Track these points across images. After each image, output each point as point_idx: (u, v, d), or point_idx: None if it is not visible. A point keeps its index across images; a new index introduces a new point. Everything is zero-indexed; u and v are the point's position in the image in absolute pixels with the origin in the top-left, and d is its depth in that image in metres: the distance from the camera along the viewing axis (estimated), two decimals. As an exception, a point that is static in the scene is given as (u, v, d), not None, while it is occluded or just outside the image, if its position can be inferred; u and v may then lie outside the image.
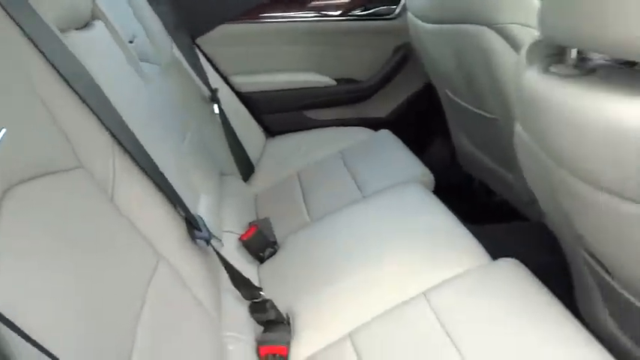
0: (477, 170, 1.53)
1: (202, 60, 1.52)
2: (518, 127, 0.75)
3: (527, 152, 0.74)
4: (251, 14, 1.61)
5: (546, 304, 0.79)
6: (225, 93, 1.55)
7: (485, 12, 1.06)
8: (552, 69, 0.62)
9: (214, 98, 1.42)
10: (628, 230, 0.58)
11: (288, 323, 0.88)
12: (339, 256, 1.01)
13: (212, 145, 1.35)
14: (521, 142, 0.74)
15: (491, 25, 1.05)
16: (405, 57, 1.68)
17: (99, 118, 0.68)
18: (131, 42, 1.11)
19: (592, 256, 0.78)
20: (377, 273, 0.92)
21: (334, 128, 1.64)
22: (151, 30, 1.25)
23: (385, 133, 1.52)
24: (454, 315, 0.80)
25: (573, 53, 0.60)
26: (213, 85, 1.46)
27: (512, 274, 0.85)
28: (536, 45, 0.68)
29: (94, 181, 0.64)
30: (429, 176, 1.28)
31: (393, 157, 1.38)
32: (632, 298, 0.71)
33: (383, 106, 1.74)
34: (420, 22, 1.33)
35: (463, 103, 1.37)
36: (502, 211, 1.46)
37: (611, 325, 0.88)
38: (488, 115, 1.25)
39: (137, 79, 1.00)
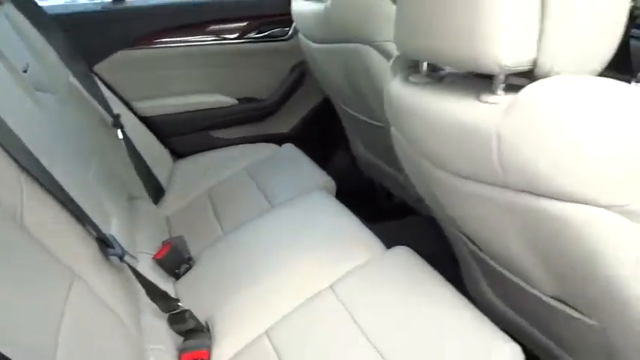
0: (375, 175, 1.67)
1: (102, 87, 1.52)
2: (393, 130, 0.87)
3: (402, 151, 0.86)
4: (148, 40, 1.64)
5: (436, 283, 0.91)
6: (128, 118, 1.56)
7: (366, 32, 1.20)
8: (411, 79, 0.74)
9: (117, 124, 1.43)
10: (484, 209, 0.71)
11: (208, 330, 0.93)
12: (251, 263, 1.07)
13: (119, 170, 1.36)
14: (397, 142, 0.86)
15: (371, 43, 1.19)
16: (301, 74, 1.80)
17: (3, 148, 0.69)
18: (25, 71, 1.10)
19: (466, 236, 0.91)
20: (287, 273, 1.00)
21: (240, 146, 1.70)
22: (45, 59, 1.25)
23: (289, 147, 1.62)
24: (358, 302, 0.90)
25: (424, 65, 0.72)
26: (116, 111, 1.47)
27: (405, 261, 0.97)
28: (398, 59, 0.80)
29: (1, 209, 0.66)
30: (331, 183, 1.38)
31: (298, 169, 1.48)
32: (501, 269, 0.85)
33: (285, 122, 1.85)
34: (310, 42, 1.44)
35: (356, 114, 1.51)
36: (401, 210, 1.62)
37: (491, 295, 1.02)
38: (376, 123, 1.39)
39: (35, 109, 1.00)
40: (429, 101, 0.69)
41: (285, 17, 1.62)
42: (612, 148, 0.49)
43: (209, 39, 1.73)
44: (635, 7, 1.66)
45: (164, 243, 1.19)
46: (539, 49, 0.54)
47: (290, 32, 1.75)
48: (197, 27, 1.71)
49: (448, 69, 0.75)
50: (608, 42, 0.55)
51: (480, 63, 0.56)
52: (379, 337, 0.82)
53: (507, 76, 0.57)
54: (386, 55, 1.16)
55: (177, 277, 1.14)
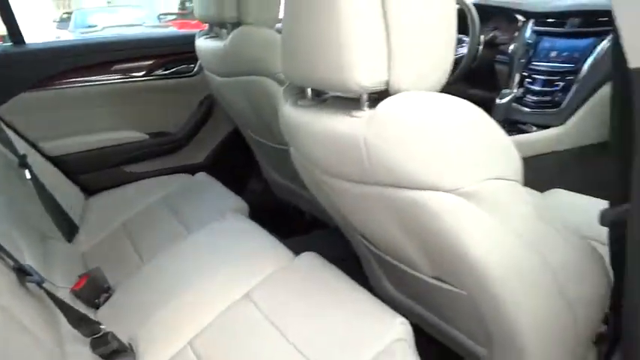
0: (287, 195, 1.78)
1: (6, 129, 1.51)
2: (291, 149, 0.99)
3: (300, 165, 0.98)
4: (51, 82, 1.66)
5: (341, 281, 1.03)
6: (35, 158, 1.56)
7: (264, 66, 1.33)
8: (299, 102, 0.87)
9: (24, 164, 1.43)
10: (367, 206, 0.84)
11: (132, 350, 0.97)
12: (170, 284, 1.13)
13: (30, 210, 1.36)
14: (295, 158, 0.98)
15: (269, 76, 1.32)
16: (209, 107, 1.90)
17: None
18: None
19: (363, 236, 1.04)
20: (205, 288, 1.07)
21: (154, 178, 1.75)
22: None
23: (202, 175, 1.69)
24: (272, 305, 0.99)
25: (309, 91, 0.86)
26: (22, 152, 1.47)
27: (312, 265, 1.08)
28: (288, 87, 0.93)
29: None
30: (244, 205, 1.47)
31: (212, 195, 1.56)
32: (392, 260, 0.99)
33: (197, 153, 1.93)
34: (215, 76, 1.55)
35: (264, 141, 1.63)
36: (313, 226, 1.74)
37: (390, 288, 1.16)
38: (282, 147, 1.51)
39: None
40: (314, 120, 0.82)
41: (190, 54, 1.71)
42: (444, 144, 0.64)
43: (114, 77, 1.78)
44: (494, 37, 1.95)
45: (81, 276, 1.21)
46: (389, 73, 0.68)
47: (195, 69, 1.85)
48: (102, 66, 1.76)
49: (330, 92, 0.89)
50: (442, 64, 0.71)
51: (347, 87, 0.70)
52: (294, 333, 0.92)
53: (369, 94, 0.71)
54: (282, 84, 1.29)
55: (97, 307, 1.16)
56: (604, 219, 0.79)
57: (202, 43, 1.55)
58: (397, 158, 0.66)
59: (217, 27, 1.51)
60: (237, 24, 1.37)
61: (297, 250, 1.18)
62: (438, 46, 0.70)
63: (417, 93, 0.68)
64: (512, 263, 0.74)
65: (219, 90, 1.63)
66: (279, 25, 1.40)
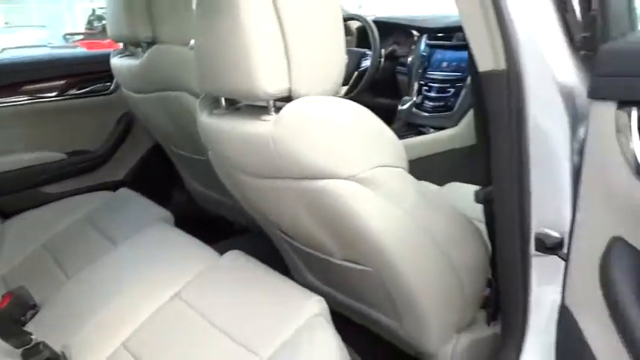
0: (212, 205, 1.84)
1: None
2: (210, 154, 1.08)
3: (220, 168, 1.07)
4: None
5: (264, 272, 1.12)
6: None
7: (181, 81, 1.40)
8: (214, 112, 0.97)
9: None
10: (282, 200, 0.95)
11: (65, 357, 1.00)
12: (99, 293, 1.16)
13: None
14: (215, 163, 1.07)
15: (188, 90, 1.40)
16: (128, 124, 1.92)
17: None
18: None
19: (281, 231, 1.15)
20: (135, 292, 1.11)
21: (74, 197, 1.74)
22: None
23: (124, 191, 1.71)
24: (203, 301, 1.06)
25: (223, 101, 0.95)
26: None
27: (237, 261, 1.16)
28: (204, 98, 1.02)
29: None
30: (168, 215, 1.52)
31: (136, 208, 1.59)
32: (308, 249, 1.10)
33: (118, 170, 1.94)
34: (132, 93, 1.60)
35: (186, 154, 1.69)
36: (238, 233, 1.82)
37: (309, 277, 1.27)
38: (205, 158, 1.58)
39: None
40: (229, 126, 0.92)
41: (105, 73, 1.74)
42: (340, 138, 0.76)
43: (24, 99, 1.76)
44: (394, 50, 2.15)
45: (4, 295, 1.21)
46: (290, 82, 0.80)
47: (112, 87, 1.87)
48: (11, 87, 1.74)
49: (243, 101, 0.99)
50: (334, 72, 0.84)
51: (255, 95, 0.80)
52: (224, 322, 0.98)
53: (274, 101, 0.82)
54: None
55: (23, 324, 1.16)
56: (477, 198, 0.96)
57: (118, 62, 1.60)
58: (301, 153, 0.78)
59: (132, 46, 1.56)
60: (151, 43, 1.43)
61: (222, 253, 1.25)
62: (330, 58, 0.83)
63: (315, 97, 0.80)
64: (406, 238, 0.87)
65: (137, 106, 1.67)
66: (192, 43, 1.49)
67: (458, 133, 1.80)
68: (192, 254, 1.20)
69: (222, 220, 1.89)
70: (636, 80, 0.58)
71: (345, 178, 0.78)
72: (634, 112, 0.59)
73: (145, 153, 1.98)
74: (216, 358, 0.92)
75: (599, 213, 0.69)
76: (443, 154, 1.78)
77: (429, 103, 1.90)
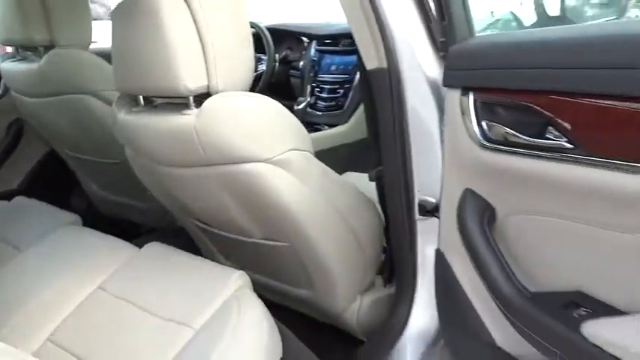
0: (115, 209, 1.85)
1: None
2: (128, 151, 1.14)
3: (138, 164, 1.14)
4: None
5: (187, 259, 1.18)
6: None
7: (84, 84, 1.43)
8: (133, 110, 1.04)
9: None
10: (204, 187, 1.04)
11: (-15, 359, 0.99)
12: (14, 296, 1.15)
13: None
14: (133, 159, 1.14)
15: (91, 93, 1.43)
16: (19, 130, 1.85)
17: None
18: None
19: (197, 219, 1.24)
20: (54, 290, 1.12)
21: (-37, 210, 1.65)
22: None
23: (20, 199, 1.65)
24: (128, 289, 1.09)
25: (141, 99, 1.03)
26: None
27: (158, 251, 1.22)
28: (121, 98, 1.08)
29: None
30: (76, 218, 1.51)
31: (38, 214, 1.55)
32: (226, 233, 1.20)
33: (11, 179, 1.86)
34: (26, 98, 1.56)
35: (88, 157, 1.68)
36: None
37: (223, 261, 1.36)
38: (111, 161, 1.60)
39: None
40: (150, 121, 1.00)
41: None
42: (256, 126, 0.89)
43: None
44: (287, 55, 2.30)
45: None
46: (208, 79, 0.90)
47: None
48: None
49: (159, 101, 1.07)
50: (246, 71, 0.96)
51: (177, 91, 0.90)
52: (151, 305, 1.02)
53: (194, 97, 0.92)
54: (105, 100, 1.42)
55: None
56: (370, 177, 1.14)
57: (9, 66, 1.56)
58: (224, 141, 0.89)
59: (25, 50, 1.54)
60: (49, 47, 1.43)
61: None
62: (241, 57, 0.95)
63: (232, 92, 0.92)
64: (316, 212, 1.02)
65: (31, 112, 1.64)
66: (93, 46, 1.51)
67: (349, 129, 2.01)
68: (111, 249, 1.24)
69: (128, 223, 1.89)
70: (471, 72, 0.78)
71: (263, 161, 0.91)
72: (471, 96, 0.78)
73: (40, 159, 1.91)
74: (146, 336, 0.98)
75: (455, 174, 0.88)
76: (337, 148, 1.98)
77: (321, 103, 2.09)
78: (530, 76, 0.69)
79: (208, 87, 0.91)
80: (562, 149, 0.67)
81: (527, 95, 0.70)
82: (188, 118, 0.91)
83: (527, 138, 0.71)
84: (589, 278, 0.74)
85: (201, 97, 0.92)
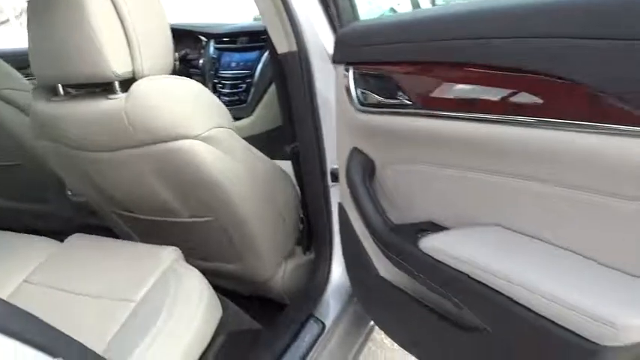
0: (10, 215, 1.77)
1: None
2: (45, 144, 1.14)
3: (56, 156, 1.15)
4: None
5: (115, 244, 1.21)
6: None
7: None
8: (52, 99, 1.06)
9: None
10: (131, 170, 1.09)
11: None
12: None
13: None
14: (50, 151, 1.15)
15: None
16: None
17: None
18: None
19: (118, 207, 1.27)
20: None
21: None
22: None
23: None
24: (58, 278, 1.09)
25: (60, 88, 1.05)
26: None
27: (83, 241, 1.23)
28: (38, 88, 1.09)
29: None
30: None
31: None
32: (151, 217, 1.24)
33: None
34: None
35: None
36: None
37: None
38: (12, 163, 1.55)
39: None
40: (73, 109, 1.03)
41: None
42: (182, 105, 0.97)
43: None
44: (186, 54, 2.34)
45: None
46: (133, 65, 0.97)
47: None
48: None
49: (77, 90, 1.10)
50: (166, 57, 1.03)
51: (103, 77, 0.95)
52: (87, 288, 1.04)
53: (120, 82, 0.97)
54: (4, 99, 1.39)
55: None
56: (285, 153, 1.26)
57: None
58: (154, 121, 0.96)
59: None
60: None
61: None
62: (161, 43, 1.02)
63: (156, 76, 0.99)
64: (241, 184, 1.12)
65: None
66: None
67: (254, 122, 2.12)
68: (31, 246, 1.23)
69: (28, 231, 1.82)
70: (351, 49, 0.91)
71: (192, 138, 0.99)
72: (351, 70, 0.92)
73: None
74: (85, 316, 1.00)
75: (345, 137, 1.02)
76: (245, 139, 2.07)
77: (224, 99, 2.17)
78: (385, 50, 0.85)
79: (133, 72, 0.97)
80: (405, 105, 0.82)
81: (385, 66, 0.85)
82: (116, 102, 0.97)
83: (385, 100, 0.86)
84: (437, 210, 0.90)
85: (125, 82, 0.98)
